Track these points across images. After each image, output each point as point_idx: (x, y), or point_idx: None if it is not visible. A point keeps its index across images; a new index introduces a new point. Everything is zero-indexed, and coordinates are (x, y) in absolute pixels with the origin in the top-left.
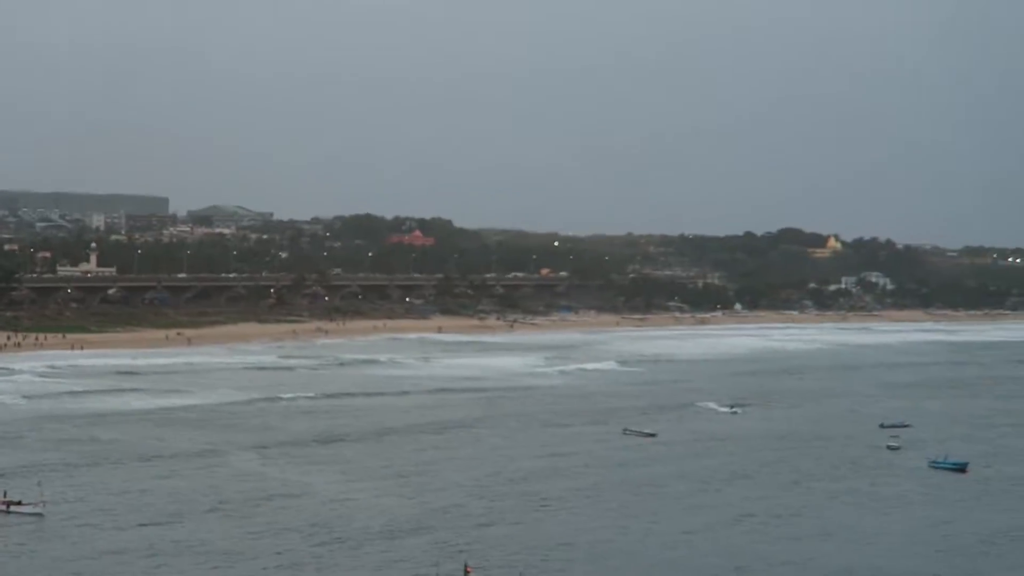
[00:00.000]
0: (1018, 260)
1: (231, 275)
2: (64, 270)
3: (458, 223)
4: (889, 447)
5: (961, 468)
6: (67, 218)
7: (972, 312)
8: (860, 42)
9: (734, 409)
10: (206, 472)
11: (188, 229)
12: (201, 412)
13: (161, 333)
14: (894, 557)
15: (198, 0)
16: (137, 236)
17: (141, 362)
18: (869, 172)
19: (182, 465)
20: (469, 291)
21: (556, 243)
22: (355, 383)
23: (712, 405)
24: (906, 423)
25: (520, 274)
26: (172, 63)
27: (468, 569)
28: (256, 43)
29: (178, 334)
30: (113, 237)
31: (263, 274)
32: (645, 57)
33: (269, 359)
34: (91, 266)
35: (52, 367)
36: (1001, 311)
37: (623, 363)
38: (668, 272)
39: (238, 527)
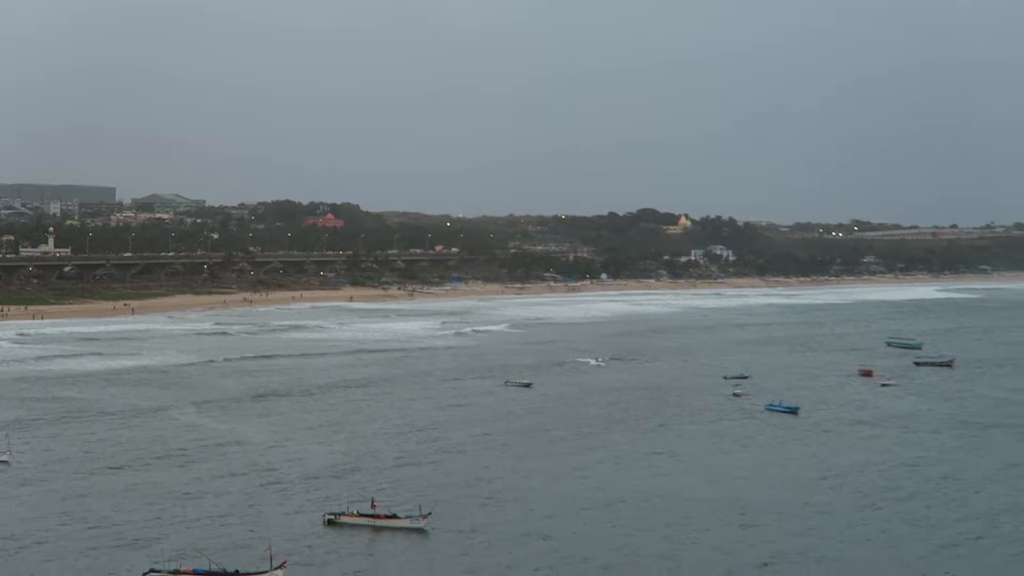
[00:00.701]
0: (840, 234)
1: (170, 254)
2: (26, 251)
3: (364, 207)
4: (734, 395)
5: (793, 411)
6: (28, 206)
7: (802, 279)
8: (701, 42)
9: (600, 362)
10: (154, 425)
11: (132, 215)
12: (148, 373)
13: (110, 304)
14: (749, 489)
15: (155, 19)
16: (88, 221)
17: (94, 329)
18: (713, 158)
19: (133, 420)
20: (374, 265)
21: (448, 224)
22: (282, 346)
23: (585, 360)
24: (746, 375)
25: (418, 250)
26: (121, 73)
27: (375, 504)
28: (192, 54)
29: (124, 305)
30: (68, 222)
31: (197, 252)
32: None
33: (206, 326)
34: (49, 247)
35: (22, 335)
36: (826, 277)
37: (511, 325)
38: (544, 248)
39: (183, 472)
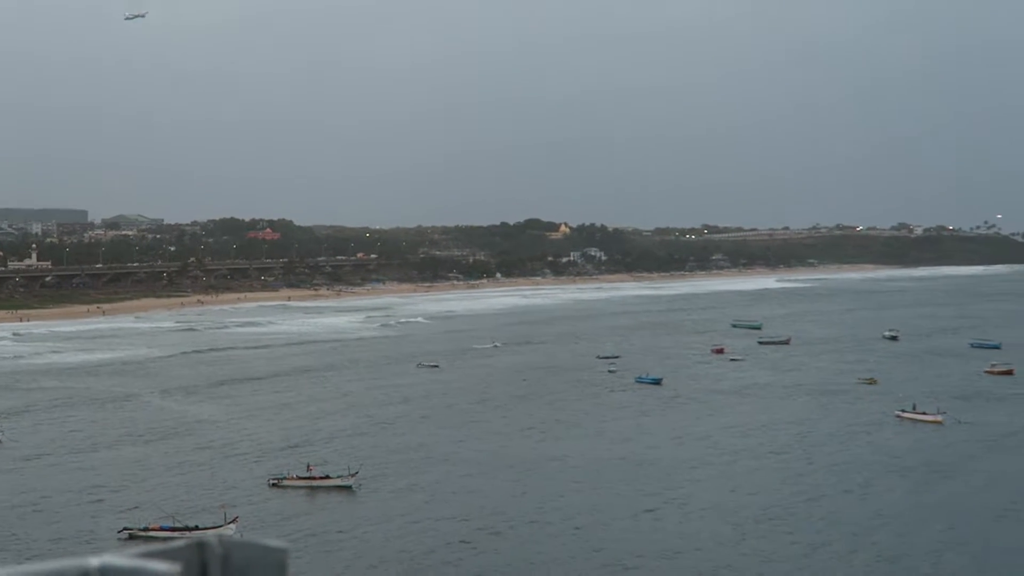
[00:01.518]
0: (693, 236)
1: (134, 264)
2: (13, 264)
3: (297, 222)
4: (609, 371)
5: (657, 382)
6: (13, 227)
7: (663, 274)
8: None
9: (498, 346)
10: (128, 409)
11: (102, 232)
12: (123, 364)
13: (84, 308)
14: (629, 449)
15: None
16: (65, 239)
17: (73, 329)
18: (589, 171)
19: (109, 405)
20: (306, 270)
21: (367, 234)
22: (234, 340)
23: (485, 345)
24: (617, 355)
25: (342, 257)
26: (86, 113)
27: (310, 468)
28: (137, 86)
29: (97, 308)
30: (48, 240)
31: (158, 263)
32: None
33: (168, 324)
34: (33, 261)
35: (17, 335)
36: (682, 272)
37: (424, 318)
38: (447, 253)
39: (151, 447)
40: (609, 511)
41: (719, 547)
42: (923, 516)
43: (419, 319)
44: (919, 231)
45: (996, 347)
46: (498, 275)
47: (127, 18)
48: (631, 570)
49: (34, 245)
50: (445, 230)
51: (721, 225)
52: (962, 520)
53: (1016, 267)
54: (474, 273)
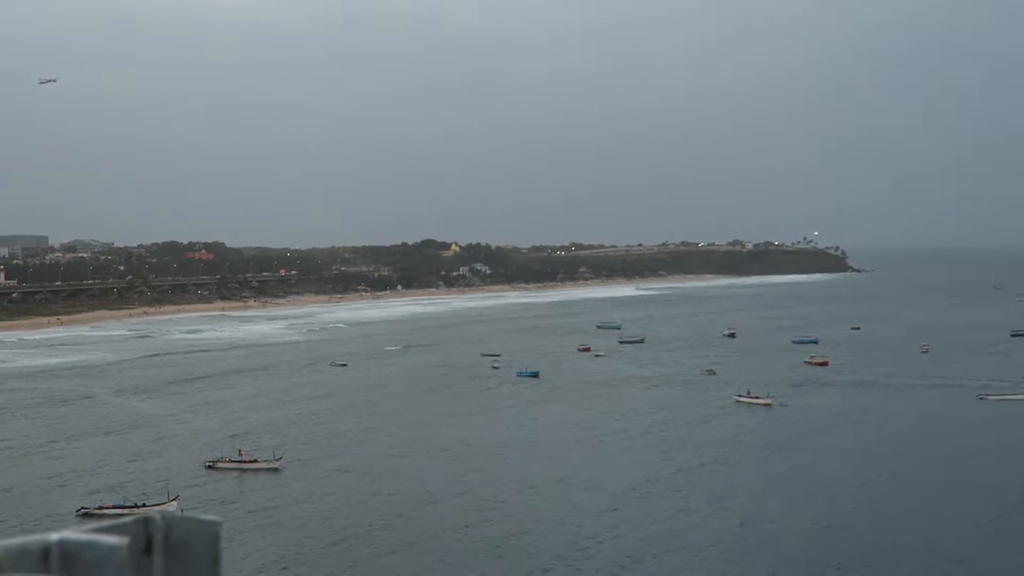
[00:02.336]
0: (562, 252)
1: (89, 282)
2: None
3: (228, 244)
4: (493, 367)
5: (535, 375)
6: None
7: (538, 284)
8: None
9: (399, 347)
10: (86, 406)
11: (61, 255)
12: (82, 367)
13: (46, 319)
14: (531, 430)
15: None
16: (29, 260)
17: (37, 337)
18: (475, 196)
19: (71, 403)
20: (236, 285)
21: (288, 254)
22: (178, 345)
23: (389, 347)
24: (499, 353)
25: (267, 273)
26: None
27: (241, 452)
28: (85, 113)
29: (57, 319)
30: (14, 261)
31: (109, 280)
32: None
33: (118, 333)
34: (1, 280)
35: None
36: (554, 283)
37: (338, 324)
38: (356, 269)
39: (107, 438)
40: (505, 485)
41: (598, 515)
42: (769, 484)
43: (340, 324)
44: (750, 246)
45: (814, 342)
46: (399, 287)
47: (40, 83)
48: (526, 534)
49: (1, 267)
50: (354, 249)
51: (586, 243)
52: (800, 487)
53: (830, 275)
54: (379, 286)
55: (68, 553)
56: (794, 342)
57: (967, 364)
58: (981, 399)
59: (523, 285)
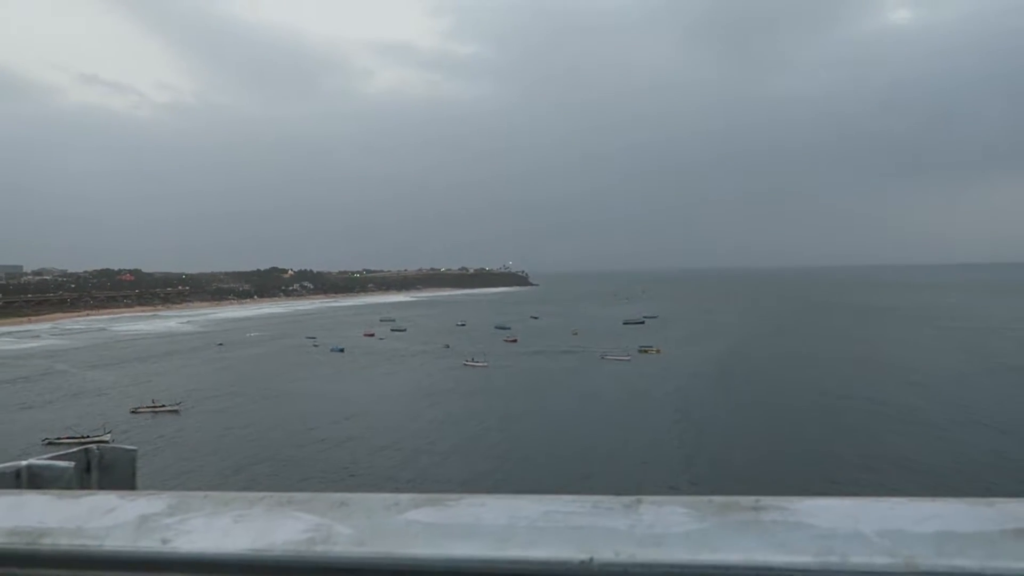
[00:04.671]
0: (357, 274)
1: (51, 294)
2: None
3: (144, 269)
4: (313, 345)
5: (342, 350)
6: None
7: (344, 294)
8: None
9: (262, 335)
10: (52, 379)
11: (32, 277)
12: (47, 351)
13: (21, 319)
14: (341, 387)
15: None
16: (9, 281)
17: (12, 330)
18: (310, 229)
19: (40, 378)
20: (150, 296)
21: (184, 276)
22: (115, 336)
23: (253, 335)
24: (315, 335)
25: (170, 288)
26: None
27: (154, 401)
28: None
29: (28, 319)
30: None
31: (61, 292)
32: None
33: (75, 327)
34: None
35: None
36: (353, 293)
37: (218, 320)
38: (227, 285)
39: (69, 400)
40: (329, 415)
41: (392, 428)
42: (482, 410)
43: (219, 320)
44: (471, 269)
45: (508, 328)
46: (255, 296)
47: None
48: (352, 440)
49: None
50: (226, 273)
51: (373, 268)
52: (491, 412)
53: (519, 288)
54: (243, 296)
55: (33, 473)
56: (496, 327)
57: (597, 339)
58: (603, 358)
59: (334, 295)
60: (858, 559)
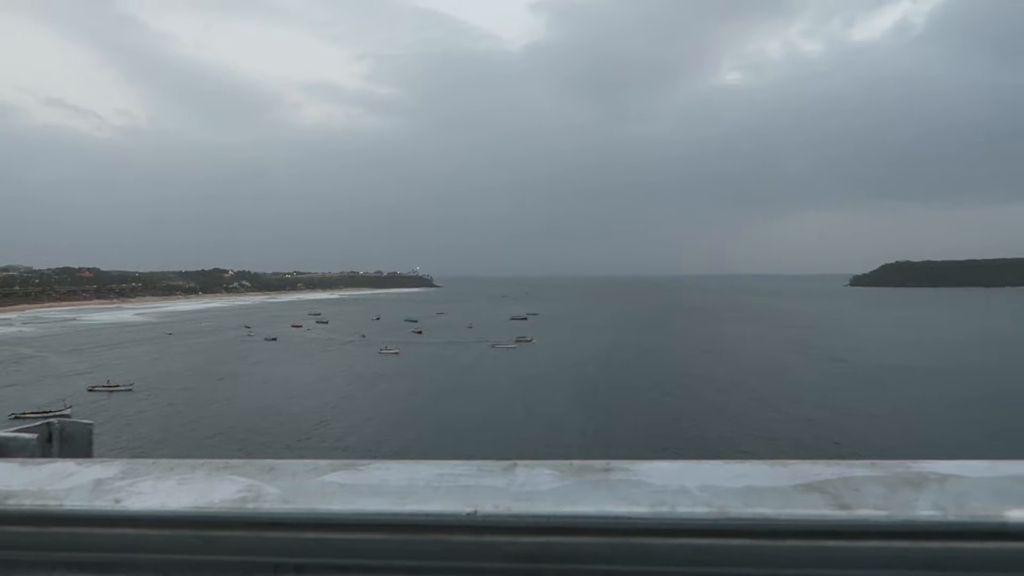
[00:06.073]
0: (288, 275)
1: (17, 288)
2: None
3: (103, 268)
4: (249, 335)
5: (275, 339)
6: None
7: (277, 291)
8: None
9: (208, 325)
10: (20, 363)
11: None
12: (19, 335)
13: None
14: (268, 367)
15: None
16: None
17: None
18: (242, 239)
19: (13, 363)
20: (107, 291)
21: (137, 274)
22: (77, 326)
23: (201, 325)
24: (250, 326)
25: (124, 284)
26: None
27: (109, 380)
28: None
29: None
30: None
31: (28, 287)
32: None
33: (46, 315)
34: None
35: None
36: (284, 291)
37: (171, 312)
38: (176, 283)
39: (32, 379)
40: (268, 395)
41: (322, 415)
42: (402, 389)
43: (170, 312)
44: (385, 272)
45: (415, 321)
46: (200, 293)
47: None
48: (280, 413)
49: None
50: (175, 272)
51: (303, 270)
52: (404, 391)
53: (424, 289)
54: (191, 292)
55: (0, 445)
56: (405, 320)
57: (489, 331)
58: (493, 347)
59: (269, 292)
60: (683, 509)
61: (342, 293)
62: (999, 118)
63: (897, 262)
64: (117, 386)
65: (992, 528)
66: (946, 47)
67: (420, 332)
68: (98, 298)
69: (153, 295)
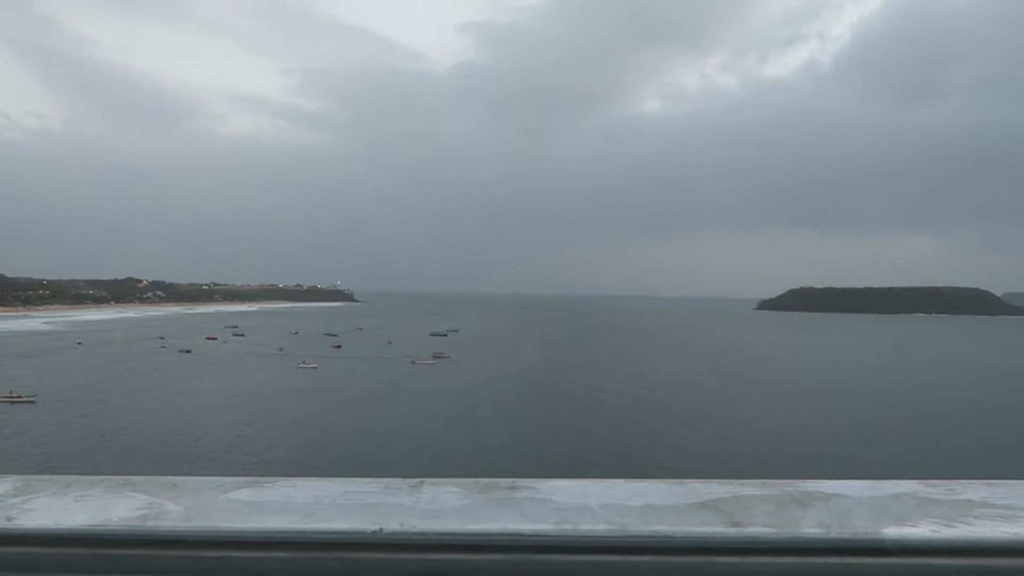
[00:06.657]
0: (206, 287)
1: None
2: None
3: (8, 274)
4: (162, 347)
5: (189, 351)
6: None
7: (195, 302)
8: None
9: (125, 334)
10: None
11: None
12: None
13: None
14: (184, 380)
15: None
16: None
17: None
18: (158, 251)
19: None
20: (12, 299)
21: (45, 281)
22: (28, 331)
23: (116, 334)
24: (164, 336)
25: (31, 292)
26: None
27: (11, 392)
28: None
29: None
30: None
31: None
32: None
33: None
34: None
35: None
36: (201, 303)
37: (85, 322)
38: (86, 291)
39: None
40: (175, 407)
41: (234, 430)
42: (317, 404)
43: (79, 322)
44: (305, 286)
45: (336, 335)
46: (113, 302)
47: None
48: (198, 427)
49: None
50: (85, 280)
51: (220, 281)
52: (326, 405)
53: (346, 303)
54: (101, 301)
55: None
56: (325, 334)
57: (409, 347)
58: (413, 363)
59: (185, 303)
60: (585, 527)
61: (261, 306)
62: (897, 156)
63: (802, 288)
64: (19, 397)
65: (871, 545)
66: (850, 87)
67: (339, 347)
68: (2, 306)
69: (62, 303)
